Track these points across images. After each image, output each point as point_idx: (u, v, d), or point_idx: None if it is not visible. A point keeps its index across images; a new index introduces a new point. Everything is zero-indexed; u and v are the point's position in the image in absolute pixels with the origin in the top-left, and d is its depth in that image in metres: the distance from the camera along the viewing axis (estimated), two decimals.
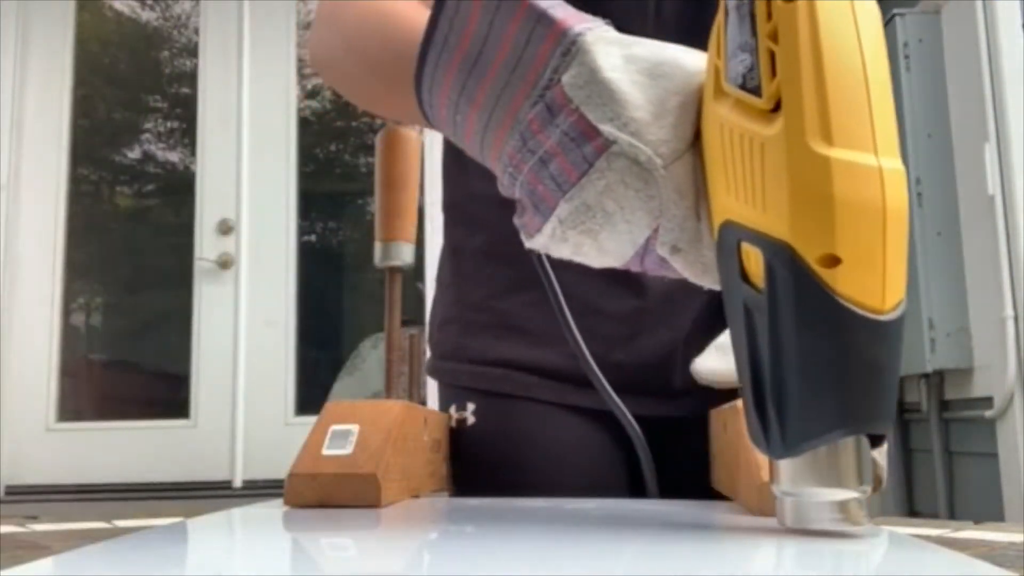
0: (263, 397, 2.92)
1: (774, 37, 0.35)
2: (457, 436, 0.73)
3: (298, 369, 2.98)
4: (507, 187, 0.43)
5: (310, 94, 3.26)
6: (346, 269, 3.40)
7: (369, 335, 3.06)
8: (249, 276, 2.97)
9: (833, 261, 0.33)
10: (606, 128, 0.38)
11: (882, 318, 0.34)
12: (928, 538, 0.44)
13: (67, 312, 3.03)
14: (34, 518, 0.54)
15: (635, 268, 0.41)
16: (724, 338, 0.64)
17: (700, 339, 0.76)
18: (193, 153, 3.09)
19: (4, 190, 2.91)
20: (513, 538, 0.38)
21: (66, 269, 2.99)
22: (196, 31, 3.15)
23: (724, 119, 0.36)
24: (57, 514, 0.56)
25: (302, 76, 3.19)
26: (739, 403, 0.52)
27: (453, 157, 0.82)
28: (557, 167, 0.39)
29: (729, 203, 0.36)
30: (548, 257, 0.75)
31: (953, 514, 2.18)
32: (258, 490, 2.74)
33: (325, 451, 0.50)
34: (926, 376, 2.18)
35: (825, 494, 0.36)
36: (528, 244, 0.42)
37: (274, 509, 0.49)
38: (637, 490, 0.78)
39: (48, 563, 0.33)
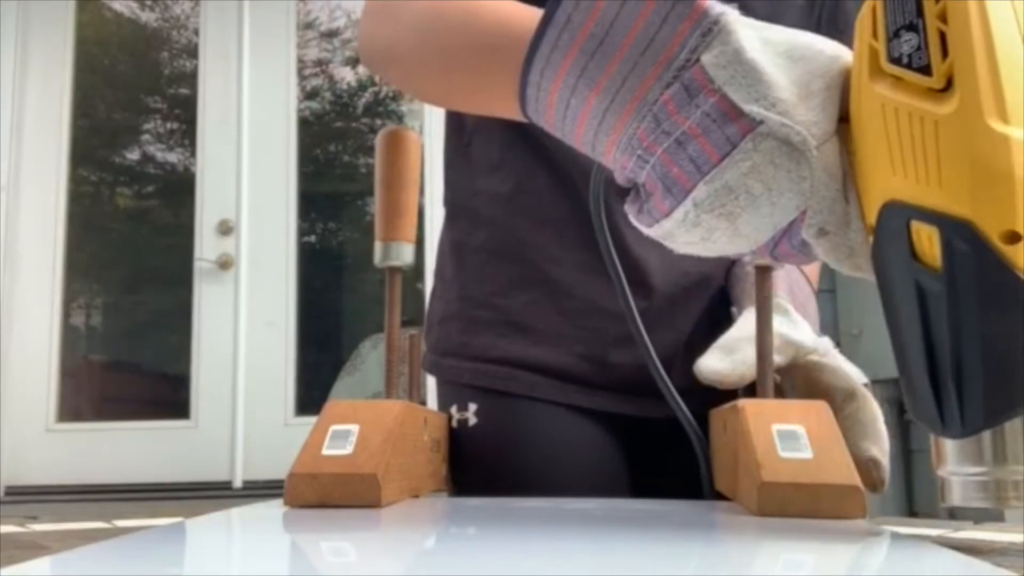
0: (263, 398, 2.92)
1: (943, 18, 0.35)
2: (458, 436, 0.73)
3: (298, 370, 2.98)
4: (630, 171, 0.42)
5: (310, 95, 3.26)
6: (346, 269, 3.41)
7: (369, 335, 3.06)
8: (249, 277, 2.97)
9: (1015, 238, 0.34)
10: (752, 108, 0.38)
11: None
12: (928, 538, 0.44)
13: (67, 312, 3.03)
14: (34, 518, 0.54)
15: (762, 255, 0.41)
16: (726, 338, 0.64)
17: (701, 341, 0.76)
18: (193, 154, 3.09)
19: (4, 190, 2.91)
20: (513, 538, 0.38)
21: (66, 269, 2.99)
22: (196, 32, 3.15)
23: (886, 99, 0.37)
24: (57, 514, 0.56)
25: (302, 77, 3.19)
26: (739, 403, 0.52)
27: (456, 153, 0.81)
28: (696, 148, 0.39)
29: (895, 183, 0.36)
30: (555, 259, 0.75)
31: (953, 514, 2.18)
32: (258, 490, 2.74)
33: (325, 451, 0.50)
34: None
35: (992, 473, 0.36)
36: (647, 230, 0.42)
37: (274, 509, 0.49)
38: (638, 491, 0.78)
39: (47, 563, 0.33)
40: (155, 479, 2.81)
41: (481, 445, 0.73)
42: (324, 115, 3.34)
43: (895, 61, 0.37)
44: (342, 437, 0.51)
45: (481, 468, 0.73)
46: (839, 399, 0.60)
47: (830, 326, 2.59)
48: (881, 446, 0.60)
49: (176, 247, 3.04)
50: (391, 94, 3.31)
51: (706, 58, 0.39)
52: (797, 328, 0.63)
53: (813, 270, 0.79)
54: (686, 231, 0.40)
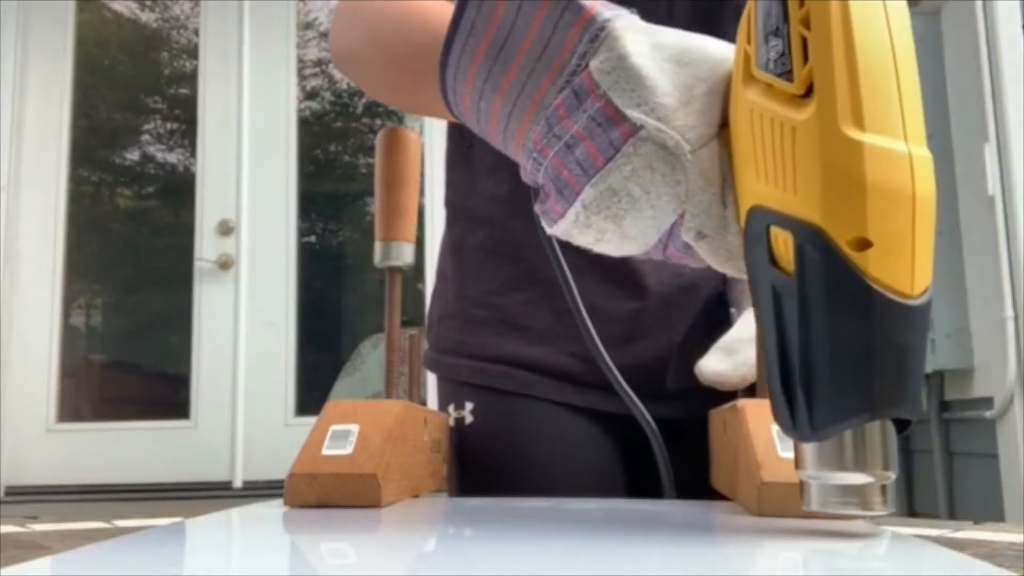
0: (263, 398, 2.92)
1: (806, 23, 0.35)
2: (455, 434, 0.73)
3: (298, 370, 2.98)
4: (530, 173, 0.43)
5: (310, 95, 3.26)
6: (346, 270, 3.41)
7: (369, 336, 3.06)
8: (249, 277, 2.97)
9: (864, 244, 0.34)
10: (633, 113, 0.38)
11: (911, 302, 0.34)
12: (928, 538, 0.44)
13: (67, 313, 3.03)
14: (34, 518, 0.54)
15: (657, 256, 0.42)
16: (726, 339, 0.64)
17: (697, 343, 0.77)
18: (193, 154, 3.09)
19: (4, 191, 2.91)
20: (513, 538, 0.38)
21: (66, 270, 2.99)
22: (196, 32, 3.16)
23: (754, 104, 0.37)
24: (57, 514, 0.56)
25: (302, 77, 3.19)
26: (739, 403, 0.52)
27: (458, 154, 0.82)
28: (583, 152, 0.39)
29: (759, 188, 0.37)
30: (557, 250, 0.76)
31: (953, 514, 2.18)
32: (258, 490, 2.74)
33: (325, 451, 0.50)
34: (926, 377, 2.18)
35: (850, 478, 0.36)
36: (550, 231, 0.42)
37: (274, 509, 0.49)
38: (634, 490, 0.78)
39: (48, 563, 0.33)
40: (155, 479, 2.81)
41: (477, 443, 0.73)
42: (324, 115, 3.34)
43: (763, 66, 0.37)
44: (342, 437, 0.51)
45: (477, 466, 0.73)
46: None
47: None
48: None
49: (176, 247, 3.04)
50: None
51: (593, 64, 0.39)
52: None
53: None
54: (580, 232, 0.41)
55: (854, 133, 0.34)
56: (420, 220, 0.71)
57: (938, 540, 0.44)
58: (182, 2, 3.24)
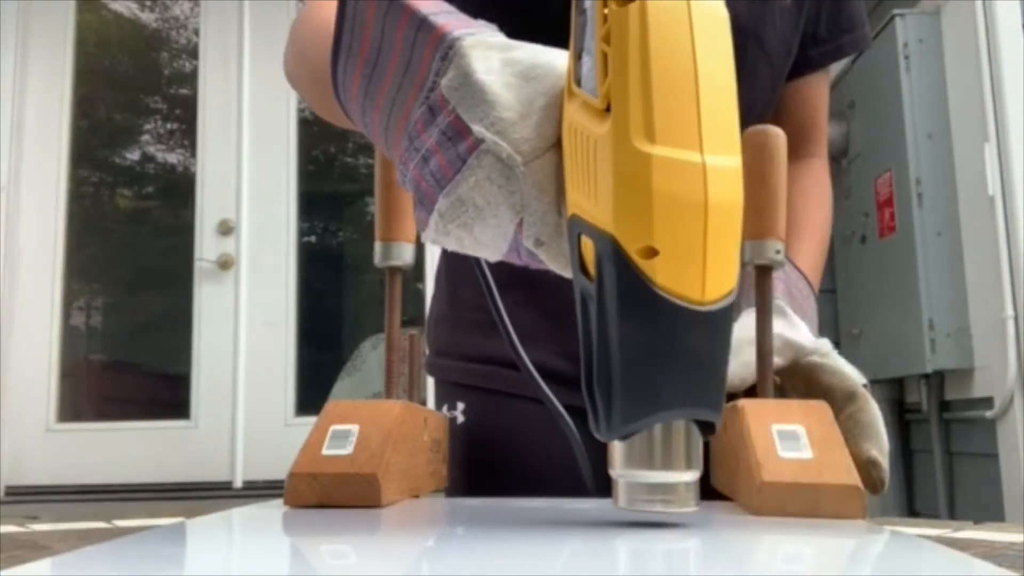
0: (263, 398, 2.92)
1: (607, 40, 0.36)
2: (449, 434, 0.74)
3: (298, 370, 2.98)
4: (402, 183, 0.45)
5: None
6: (346, 270, 3.41)
7: (369, 336, 3.06)
8: (249, 277, 2.97)
9: (652, 253, 0.35)
10: (477, 127, 0.40)
11: (701, 309, 0.35)
12: (928, 538, 0.44)
13: (67, 313, 3.03)
14: (34, 518, 0.54)
15: (515, 261, 0.44)
16: None
17: None
18: (193, 154, 3.09)
19: (4, 191, 2.91)
20: (513, 539, 0.38)
21: (66, 270, 2.99)
22: (196, 32, 3.16)
23: (572, 118, 0.38)
24: (57, 514, 0.56)
25: None
26: (739, 403, 0.52)
27: None
28: (436, 164, 0.42)
29: (574, 198, 0.38)
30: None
31: (953, 514, 2.18)
32: (258, 490, 2.74)
33: (325, 451, 0.50)
34: (926, 376, 2.18)
35: (655, 477, 0.38)
36: (422, 237, 0.44)
37: (274, 509, 0.49)
38: None
39: (48, 563, 0.33)
40: (155, 479, 2.81)
41: (468, 443, 0.74)
42: None
43: (578, 82, 0.38)
44: (342, 437, 0.51)
45: (468, 464, 0.73)
46: (839, 400, 0.60)
47: (830, 326, 2.59)
48: (881, 447, 0.60)
49: (176, 247, 3.04)
50: None
51: (444, 80, 0.42)
52: (796, 329, 0.64)
53: (814, 272, 0.79)
54: (442, 239, 0.43)
55: (644, 146, 0.35)
56: None
57: (938, 540, 0.44)
58: (182, 2, 3.24)
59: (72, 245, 3.02)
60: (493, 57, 0.41)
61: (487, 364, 0.75)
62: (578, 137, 0.38)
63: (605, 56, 0.36)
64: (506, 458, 0.73)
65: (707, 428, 0.38)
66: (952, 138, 2.11)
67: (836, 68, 2.60)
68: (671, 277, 0.35)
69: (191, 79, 3.14)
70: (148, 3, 3.29)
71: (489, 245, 0.42)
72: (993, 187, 1.93)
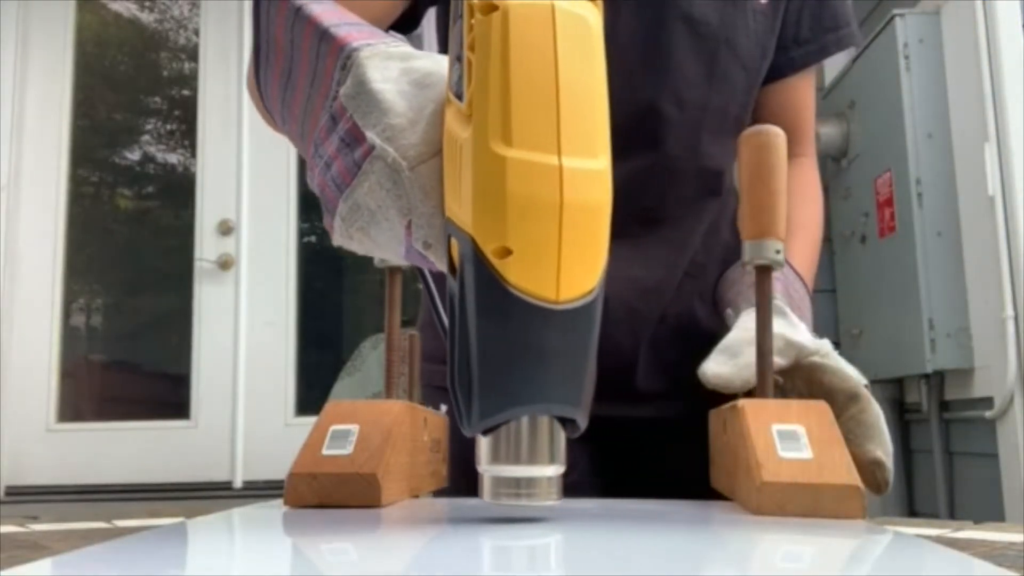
0: (263, 397, 2.92)
1: (472, 47, 0.37)
2: None
3: (298, 370, 2.98)
4: (311, 188, 0.46)
5: None
6: (346, 270, 3.40)
7: (369, 336, 3.06)
8: (249, 277, 2.97)
9: (506, 252, 0.36)
10: (370, 134, 0.41)
11: (555, 307, 0.36)
12: (928, 538, 0.44)
13: (67, 313, 3.03)
14: (34, 518, 0.54)
15: (416, 262, 0.45)
16: (728, 341, 0.64)
17: (666, 346, 0.78)
18: (193, 154, 3.09)
19: (4, 191, 2.91)
20: (513, 538, 0.38)
21: (66, 270, 2.99)
22: (196, 32, 3.15)
23: (448, 124, 0.40)
24: (57, 514, 0.56)
25: None
26: (739, 403, 0.52)
27: None
28: (336, 170, 0.43)
29: (448, 201, 0.40)
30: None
31: (953, 514, 2.18)
32: (258, 490, 2.74)
33: (325, 451, 0.50)
34: (926, 376, 2.18)
35: (518, 471, 0.39)
36: (333, 242, 0.45)
37: (274, 510, 0.49)
38: (610, 489, 0.79)
39: (48, 563, 0.33)
40: (155, 479, 2.81)
41: (459, 442, 0.75)
42: None
43: (452, 89, 0.40)
44: (342, 437, 0.51)
45: (465, 464, 0.74)
46: (842, 401, 0.60)
47: (830, 326, 2.59)
48: (885, 448, 0.60)
49: (176, 247, 3.04)
50: None
51: (343, 90, 0.43)
52: (797, 330, 0.64)
53: (808, 272, 0.79)
54: (348, 243, 0.44)
55: (500, 149, 0.36)
56: None
57: (938, 540, 0.44)
58: (182, 2, 3.24)
59: (72, 245, 3.02)
60: (392, 66, 0.43)
61: None
62: (451, 142, 0.39)
63: (471, 63, 0.37)
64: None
65: (571, 425, 0.39)
66: (952, 138, 2.11)
67: (836, 68, 2.60)
68: (524, 276, 0.36)
69: (191, 79, 3.13)
70: (148, 3, 3.29)
71: (386, 247, 0.43)
72: (993, 187, 1.93)
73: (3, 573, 0.30)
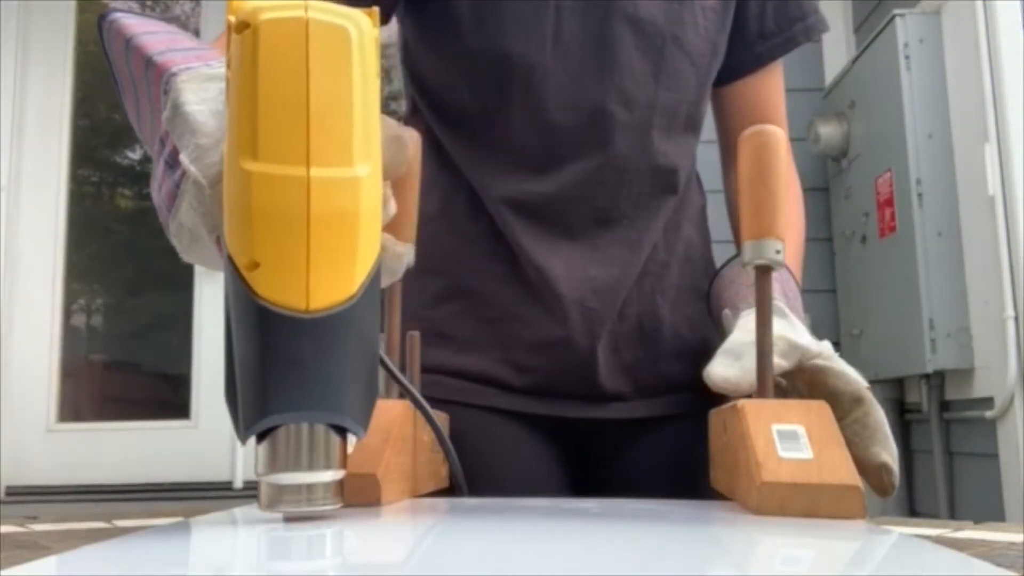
0: None
1: (230, 65, 0.38)
2: None
3: None
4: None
5: None
6: None
7: None
8: None
9: (254, 265, 0.37)
10: (183, 156, 0.42)
11: (304, 316, 0.37)
12: (928, 538, 0.44)
13: (68, 313, 3.03)
14: (34, 518, 0.54)
15: None
16: (731, 343, 0.64)
17: (626, 344, 0.78)
18: None
19: (4, 191, 2.91)
20: (513, 538, 0.38)
21: (66, 270, 2.99)
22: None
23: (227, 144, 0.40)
24: (57, 514, 0.56)
25: None
26: (739, 403, 0.52)
27: None
28: (165, 191, 0.44)
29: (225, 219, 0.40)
30: (474, 271, 0.79)
31: (953, 514, 2.18)
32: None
33: None
34: (927, 377, 2.18)
35: (294, 478, 0.39)
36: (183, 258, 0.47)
37: None
38: (579, 489, 0.79)
39: (48, 563, 0.33)
40: (155, 479, 2.81)
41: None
42: None
43: None
44: None
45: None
46: (845, 403, 0.60)
47: (830, 326, 2.59)
48: (890, 451, 0.60)
49: None
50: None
51: (165, 113, 0.44)
52: (798, 331, 0.63)
53: (798, 269, 0.79)
54: (191, 257, 0.45)
55: (247, 164, 0.36)
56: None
57: (938, 540, 0.44)
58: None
59: (72, 245, 3.02)
60: (211, 87, 0.43)
61: (430, 373, 0.74)
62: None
63: (228, 82, 0.38)
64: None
65: (343, 431, 0.40)
66: (952, 138, 2.11)
67: (836, 68, 2.60)
68: (271, 288, 0.36)
69: None
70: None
71: (212, 263, 0.44)
72: (993, 187, 1.93)
73: (3, 573, 0.29)
